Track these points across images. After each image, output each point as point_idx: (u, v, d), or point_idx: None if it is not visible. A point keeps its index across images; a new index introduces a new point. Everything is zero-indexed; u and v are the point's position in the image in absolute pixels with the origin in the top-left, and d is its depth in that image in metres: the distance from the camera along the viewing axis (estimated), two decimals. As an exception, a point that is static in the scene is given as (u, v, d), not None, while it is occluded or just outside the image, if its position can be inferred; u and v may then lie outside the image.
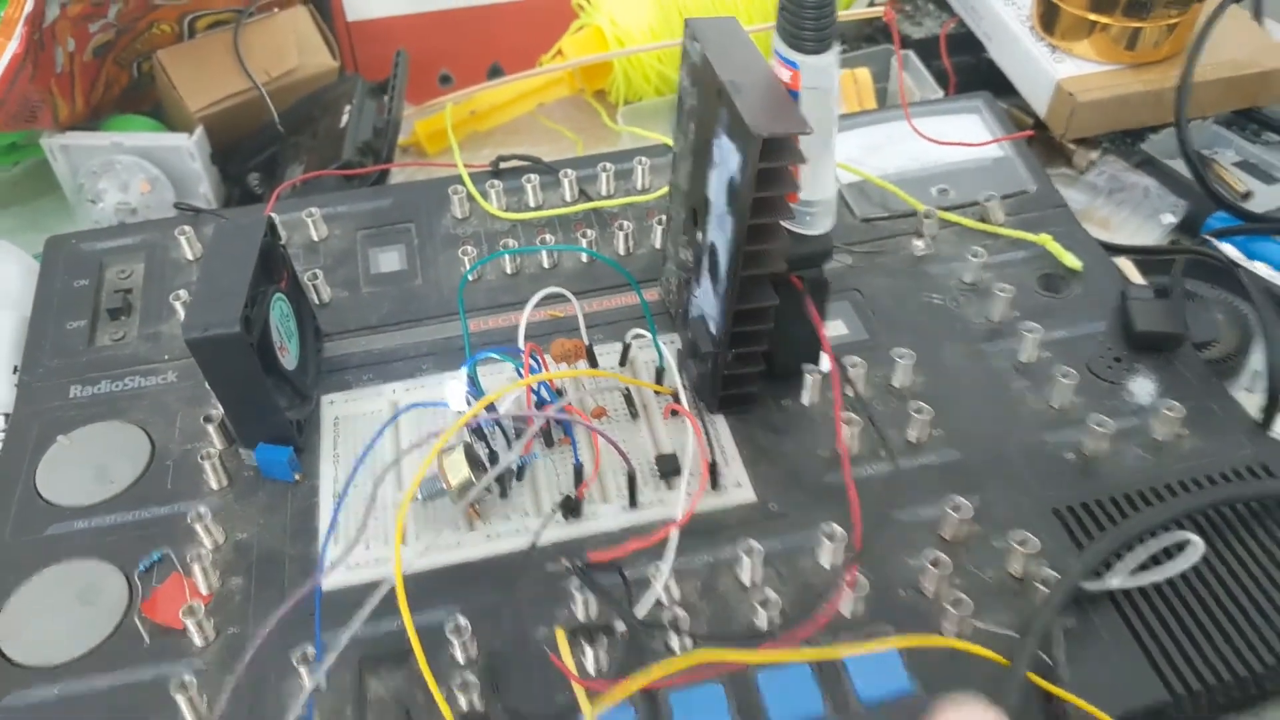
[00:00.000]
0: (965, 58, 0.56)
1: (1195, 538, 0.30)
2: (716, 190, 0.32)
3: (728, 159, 0.30)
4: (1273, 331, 0.37)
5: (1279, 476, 0.33)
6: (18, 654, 0.30)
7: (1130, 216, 0.49)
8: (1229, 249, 0.45)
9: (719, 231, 0.32)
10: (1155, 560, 0.30)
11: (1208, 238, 0.45)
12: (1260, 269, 0.44)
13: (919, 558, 0.31)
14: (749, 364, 0.34)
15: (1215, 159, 0.52)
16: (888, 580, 0.31)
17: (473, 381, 0.32)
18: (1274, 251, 0.46)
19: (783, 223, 0.31)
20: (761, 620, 0.29)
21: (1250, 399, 0.39)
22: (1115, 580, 0.30)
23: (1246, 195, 0.49)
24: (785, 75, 0.30)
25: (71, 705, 0.29)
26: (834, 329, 0.39)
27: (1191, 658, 0.29)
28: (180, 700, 0.28)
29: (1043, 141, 0.53)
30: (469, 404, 0.32)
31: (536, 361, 0.33)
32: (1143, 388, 0.36)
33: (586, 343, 0.36)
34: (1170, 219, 0.48)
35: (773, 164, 0.29)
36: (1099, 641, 0.29)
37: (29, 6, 0.44)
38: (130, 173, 0.50)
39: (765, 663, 0.28)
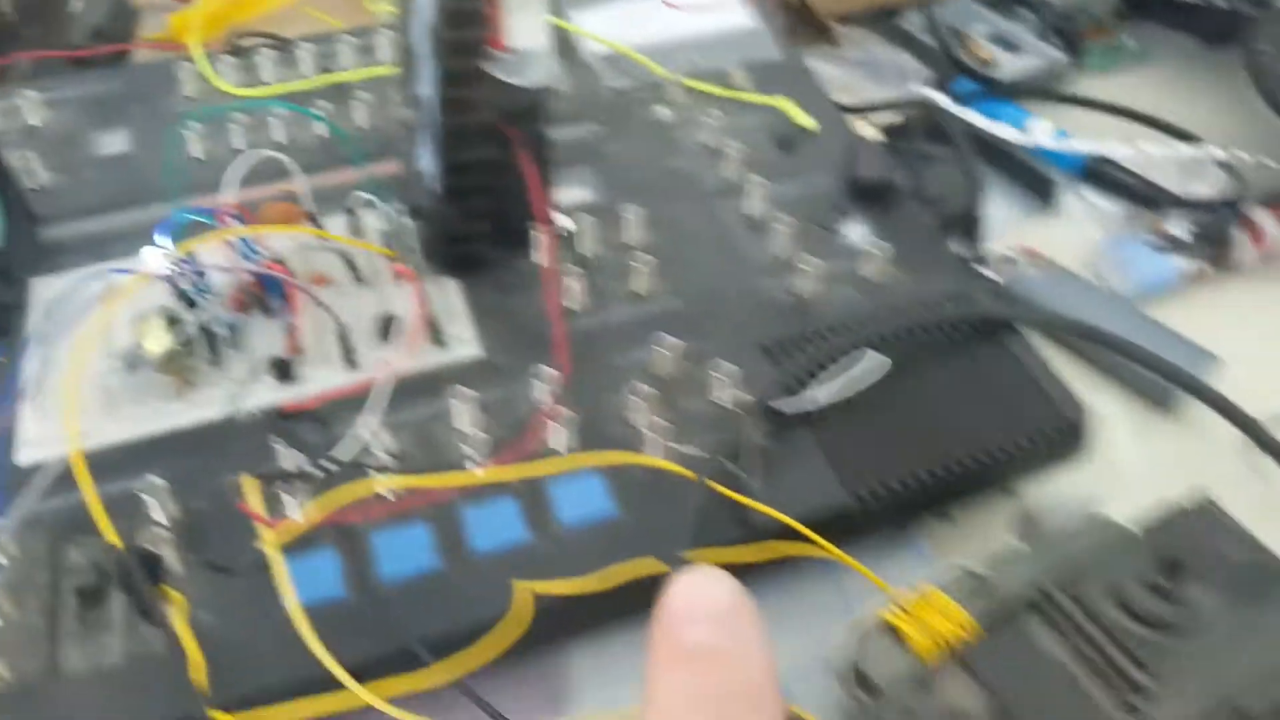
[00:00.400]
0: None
1: (878, 355, 0.32)
2: (419, 38, 0.31)
3: (423, 3, 0.30)
4: (971, 171, 0.39)
5: (976, 307, 0.36)
6: None
7: (882, 88, 0.51)
8: (973, 115, 0.47)
9: (426, 82, 0.32)
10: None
11: (929, 94, 0.47)
12: (999, 128, 0.47)
13: (628, 393, 0.32)
14: (473, 222, 0.34)
15: (969, 32, 0.54)
16: (597, 415, 0.32)
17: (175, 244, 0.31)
18: (1010, 113, 0.49)
19: (496, 75, 0.31)
20: (471, 460, 0.30)
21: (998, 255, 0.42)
22: (806, 400, 0.32)
23: (990, 64, 0.52)
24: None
25: None
26: (577, 194, 0.39)
27: (874, 467, 0.31)
28: None
29: (803, 20, 0.54)
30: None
31: (242, 222, 0.32)
32: (856, 232, 0.38)
33: (309, 209, 0.35)
34: (919, 88, 0.50)
35: (460, 3, 0.28)
36: (792, 457, 0.31)
37: None
38: None
39: (462, 486, 0.29)
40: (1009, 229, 0.45)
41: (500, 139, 0.33)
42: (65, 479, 0.27)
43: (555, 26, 0.43)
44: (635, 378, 0.33)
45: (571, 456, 0.30)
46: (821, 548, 0.29)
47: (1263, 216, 0.44)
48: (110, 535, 0.26)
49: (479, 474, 0.29)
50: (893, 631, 0.28)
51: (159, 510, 0.28)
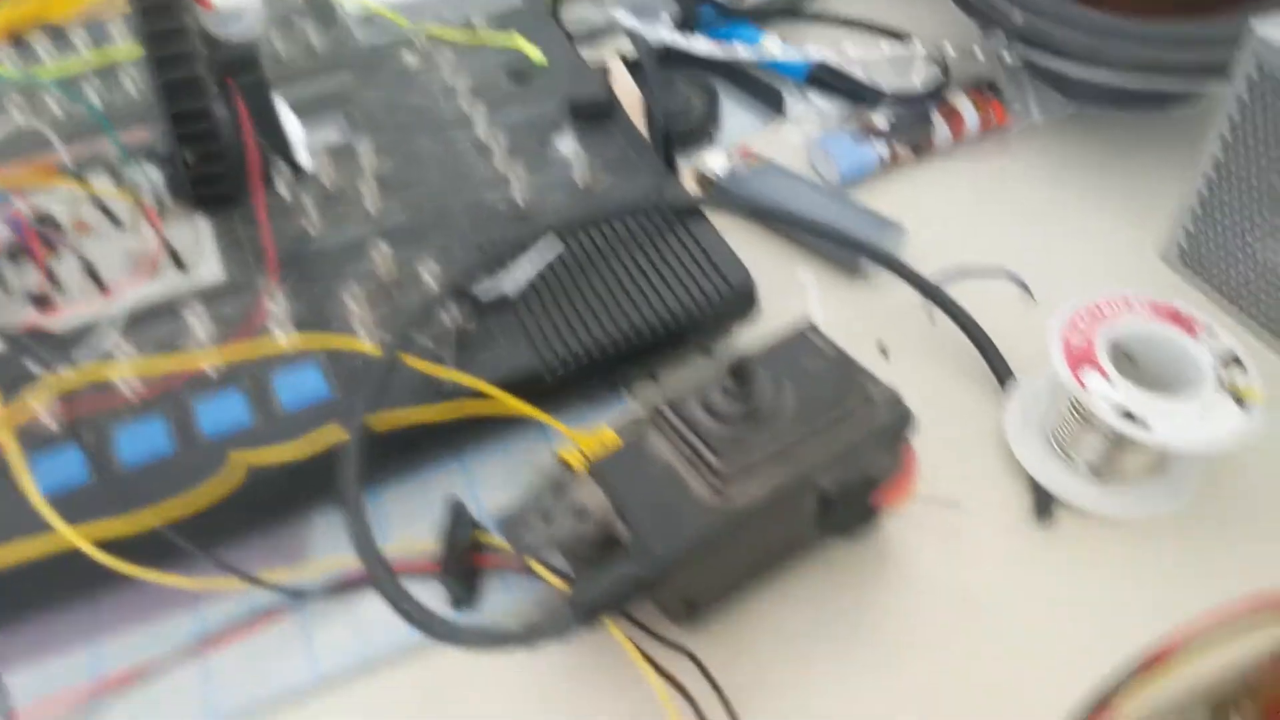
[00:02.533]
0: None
1: (554, 239, 0.37)
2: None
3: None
4: (654, 87, 0.44)
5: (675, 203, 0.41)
6: None
7: (634, 22, 0.56)
8: (702, 39, 0.52)
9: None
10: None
11: (633, 25, 0.52)
12: (731, 48, 0.52)
13: (345, 295, 0.37)
14: (210, 163, 0.39)
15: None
16: (324, 319, 0.37)
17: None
18: (747, 34, 0.54)
19: (196, 25, 0.36)
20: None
21: (718, 159, 0.47)
22: (497, 284, 0.37)
23: (734, -5, 0.57)
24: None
25: None
26: (326, 136, 0.44)
27: (564, 339, 0.36)
28: None
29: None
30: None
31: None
32: (566, 145, 0.43)
33: (72, 170, 0.40)
34: (665, 17, 0.55)
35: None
36: (493, 335, 0.36)
37: None
38: None
39: (187, 373, 0.34)
40: (747, 136, 0.51)
41: (222, 90, 0.38)
42: None
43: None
44: (355, 281, 0.37)
45: (277, 342, 0.35)
46: (504, 404, 0.34)
47: (963, 104, 0.49)
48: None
49: (198, 358, 0.34)
50: (562, 463, 0.33)
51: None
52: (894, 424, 0.31)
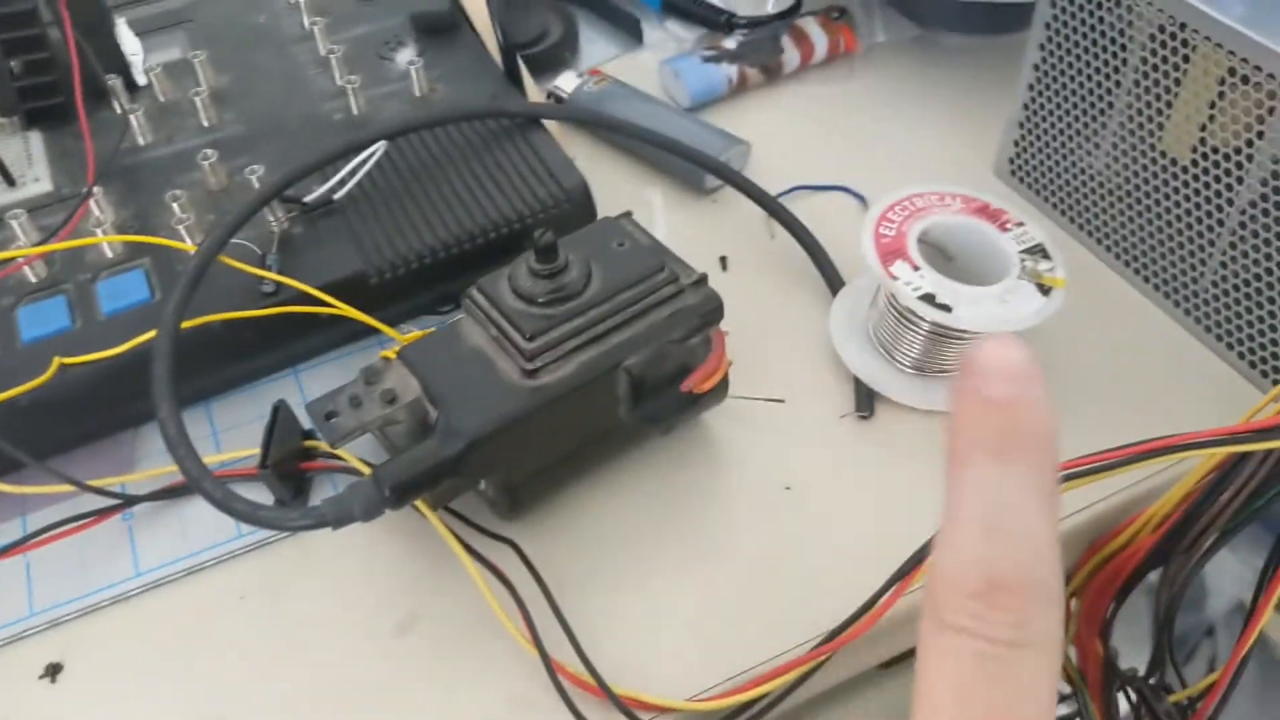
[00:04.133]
0: None
1: (381, 142, 0.37)
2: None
3: None
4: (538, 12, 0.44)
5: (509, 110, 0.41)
6: None
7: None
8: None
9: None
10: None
11: None
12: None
13: (174, 203, 0.36)
14: (36, 73, 0.38)
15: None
16: (150, 227, 0.37)
17: None
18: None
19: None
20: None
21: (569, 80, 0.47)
22: (324, 189, 0.37)
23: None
24: None
25: None
26: (167, 54, 0.44)
27: (394, 240, 0.37)
28: None
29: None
30: None
31: None
32: (405, 57, 0.43)
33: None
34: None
35: None
36: (322, 241, 0.37)
37: None
38: None
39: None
40: (599, 59, 0.51)
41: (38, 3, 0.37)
42: None
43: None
44: (183, 189, 0.37)
45: (95, 243, 0.35)
46: (328, 307, 0.35)
47: (813, 28, 0.51)
48: None
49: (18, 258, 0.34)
50: (383, 360, 0.33)
51: None
52: (701, 307, 0.32)
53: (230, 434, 0.35)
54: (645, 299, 0.31)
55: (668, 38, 0.52)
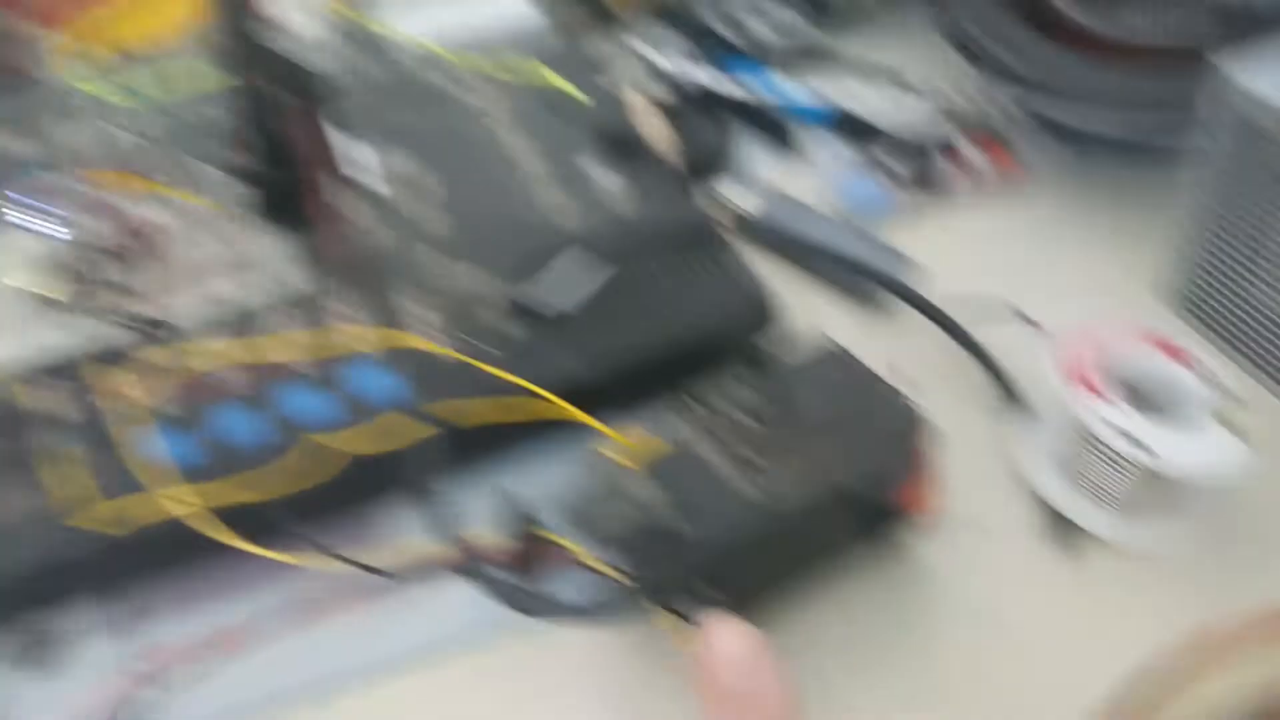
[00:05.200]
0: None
1: (604, 263, 0.40)
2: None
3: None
4: (698, 127, 0.48)
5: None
6: None
7: (658, 57, 0.60)
8: (723, 78, 0.56)
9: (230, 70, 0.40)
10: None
11: (672, 64, 0.56)
12: (748, 88, 0.56)
13: (412, 302, 0.40)
14: (281, 179, 0.42)
15: (731, 12, 0.63)
16: (386, 321, 0.40)
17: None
18: (763, 76, 0.58)
19: (273, 56, 0.39)
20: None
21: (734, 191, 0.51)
22: (550, 300, 0.40)
23: (748, 37, 0.61)
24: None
25: None
26: (376, 156, 0.47)
27: (603, 345, 0.40)
28: None
29: (593, 8, 0.62)
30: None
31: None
32: (605, 175, 0.46)
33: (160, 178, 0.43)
34: (662, 61, 0.58)
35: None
36: (538, 341, 0.40)
37: None
38: None
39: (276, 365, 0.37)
40: (761, 173, 0.54)
41: (294, 113, 0.41)
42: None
43: (355, 16, 0.51)
44: (417, 290, 0.41)
45: (356, 337, 0.38)
46: (564, 410, 0.37)
47: (970, 149, 0.54)
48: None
49: (279, 352, 0.37)
50: (608, 462, 0.36)
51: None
52: (912, 428, 0.34)
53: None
54: (859, 418, 0.34)
55: (821, 149, 0.55)
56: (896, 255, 0.48)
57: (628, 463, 0.35)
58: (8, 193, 0.38)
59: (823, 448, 0.33)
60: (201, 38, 0.52)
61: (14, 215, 0.37)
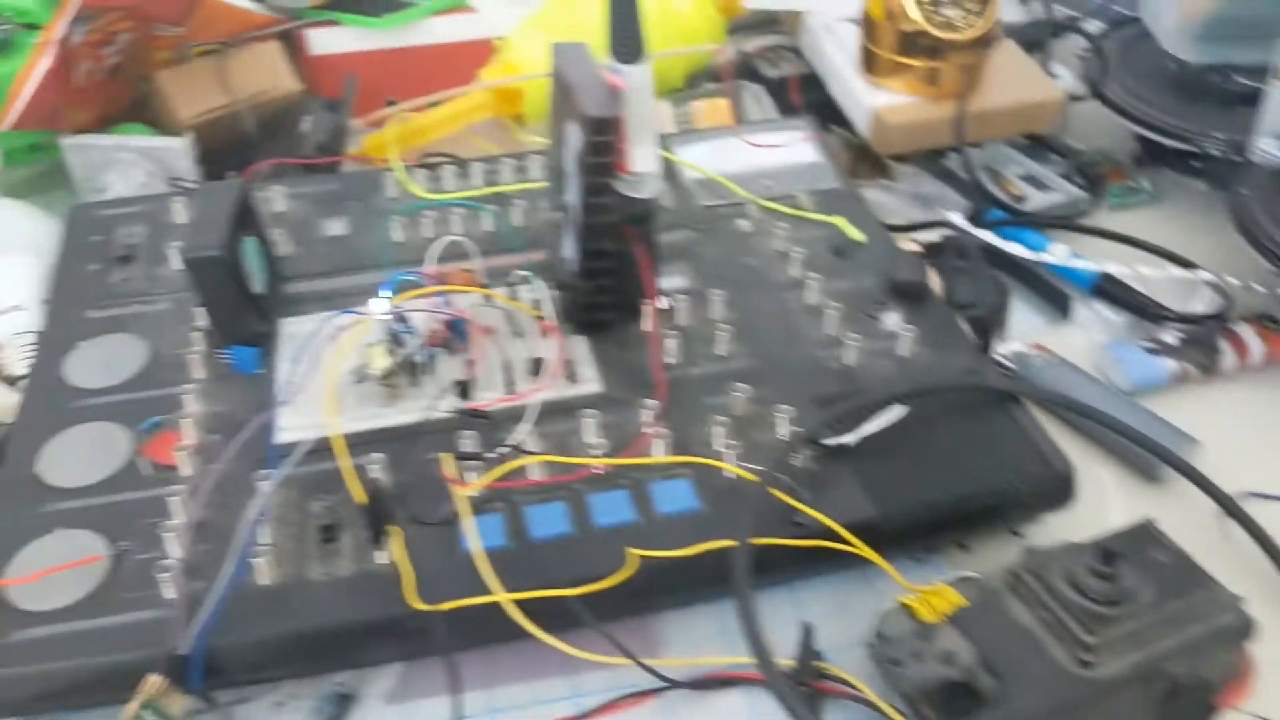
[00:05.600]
0: (814, 95, 0.70)
1: (899, 406, 0.42)
2: (570, 162, 0.44)
3: (573, 137, 0.43)
4: (983, 282, 0.49)
5: (982, 381, 0.46)
6: (54, 480, 0.41)
7: (926, 214, 0.63)
8: (991, 236, 0.58)
9: (572, 193, 0.44)
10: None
11: (955, 219, 0.58)
12: (1016, 248, 0.57)
13: (711, 425, 0.42)
14: (599, 294, 0.46)
15: (1003, 172, 0.65)
16: (688, 439, 0.42)
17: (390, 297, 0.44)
18: (1032, 238, 0.59)
19: (615, 185, 0.43)
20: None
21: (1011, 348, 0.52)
22: (847, 437, 0.42)
23: (1020, 199, 0.63)
24: (614, 79, 0.42)
25: (92, 512, 0.40)
26: (675, 281, 0.51)
27: (898, 491, 0.41)
28: (172, 503, 0.39)
29: (868, 160, 0.66)
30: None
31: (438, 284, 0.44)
32: (892, 319, 0.48)
33: (484, 281, 0.48)
34: (949, 214, 0.61)
35: (599, 138, 0.41)
36: (835, 479, 0.41)
37: (60, 32, 0.56)
38: (132, 168, 0.61)
39: (586, 472, 0.40)
40: (1028, 332, 0.55)
41: (622, 236, 0.46)
42: (310, 454, 0.39)
43: (662, 156, 0.56)
44: (716, 412, 0.43)
45: (670, 457, 0.41)
46: (856, 548, 0.39)
47: (1246, 331, 0.53)
48: (356, 488, 0.38)
49: (594, 459, 0.41)
50: (905, 609, 0.37)
51: (379, 476, 0.40)
52: (1239, 625, 0.33)
53: (730, 637, 0.39)
54: (1190, 611, 0.34)
55: (1095, 318, 0.56)
56: (1173, 429, 0.48)
57: (928, 612, 0.35)
58: (380, 291, 0.43)
59: (1148, 629, 0.33)
60: (519, 149, 0.59)
61: (383, 312, 0.42)
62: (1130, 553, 0.35)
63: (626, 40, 0.40)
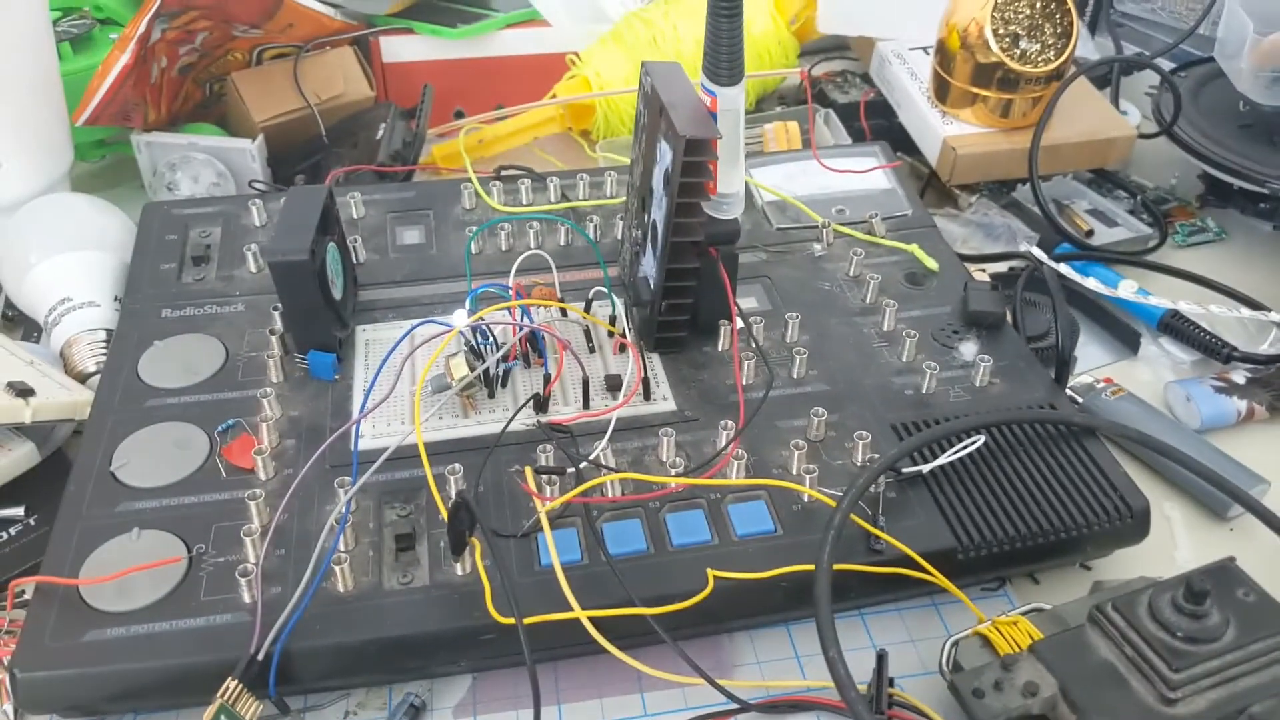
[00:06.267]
0: (880, 120, 0.70)
1: (980, 435, 0.42)
2: (658, 181, 0.44)
3: (665, 157, 0.43)
4: (1061, 316, 0.49)
5: (1063, 415, 0.45)
6: (130, 479, 0.41)
7: (995, 244, 0.62)
8: (1068, 270, 0.58)
9: (659, 211, 0.44)
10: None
11: (1032, 251, 0.58)
12: (1090, 283, 0.57)
13: (788, 448, 0.42)
14: (677, 313, 0.46)
15: (1071, 205, 0.65)
16: (764, 461, 0.42)
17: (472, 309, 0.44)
18: (1102, 273, 0.59)
19: (702, 205, 0.43)
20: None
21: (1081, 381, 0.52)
22: (924, 465, 0.42)
23: (1089, 233, 0.63)
24: (707, 100, 0.43)
25: (168, 513, 0.40)
26: (748, 302, 0.51)
27: (976, 521, 0.41)
28: (251, 507, 0.39)
29: (936, 188, 0.66)
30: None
31: (521, 297, 0.45)
32: (968, 349, 0.48)
33: (559, 295, 0.48)
34: (1026, 248, 0.61)
35: (693, 158, 0.41)
36: (912, 506, 0.41)
37: (142, 28, 0.57)
38: (202, 168, 0.62)
39: (663, 490, 0.40)
40: (1093, 366, 0.55)
41: (706, 256, 0.46)
42: (388, 462, 0.39)
43: (748, 180, 0.56)
44: (795, 437, 0.43)
45: (748, 480, 0.41)
46: (933, 576, 0.39)
47: (1315, 373, 0.52)
48: (437, 496, 0.38)
49: (678, 484, 0.40)
50: (981, 639, 0.37)
51: (454, 486, 0.40)
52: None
53: (810, 660, 0.39)
54: (1273, 651, 0.33)
55: (1162, 355, 0.56)
56: (1243, 468, 0.47)
57: (1005, 643, 0.35)
58: (468, 300, 0.43)
59: (1231, 668, 0.32)
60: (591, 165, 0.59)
61: (467, 323, 0.42)
62: (1213, 591, 0.34)
63: (727, 62, 0.40)
